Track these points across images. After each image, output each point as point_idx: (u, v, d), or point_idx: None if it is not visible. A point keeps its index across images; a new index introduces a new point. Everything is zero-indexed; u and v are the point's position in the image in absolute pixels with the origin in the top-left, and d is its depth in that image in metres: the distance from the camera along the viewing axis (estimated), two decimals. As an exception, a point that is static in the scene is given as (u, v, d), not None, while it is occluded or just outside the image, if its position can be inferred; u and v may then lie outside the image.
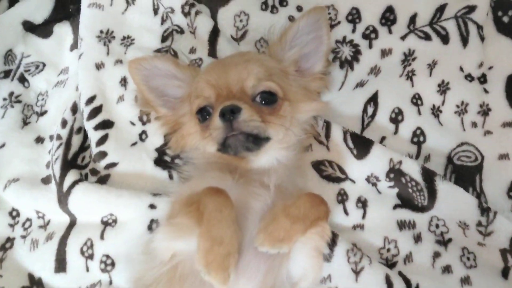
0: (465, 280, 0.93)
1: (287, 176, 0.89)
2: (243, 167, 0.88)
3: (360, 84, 1.08)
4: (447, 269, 0.94)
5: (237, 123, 0.80)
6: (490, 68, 1.08)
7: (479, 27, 1.07)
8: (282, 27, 1.02)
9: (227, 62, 0.93)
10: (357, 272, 0.92)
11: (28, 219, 1.09)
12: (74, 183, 1.00)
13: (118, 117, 1.09)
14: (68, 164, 1.05)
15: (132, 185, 1.03)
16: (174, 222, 0.76)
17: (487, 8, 1.09)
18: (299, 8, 1.14)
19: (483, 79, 1.08)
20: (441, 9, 1.09)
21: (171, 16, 1.16)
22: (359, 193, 1.03)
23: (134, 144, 1.07)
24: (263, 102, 0.87)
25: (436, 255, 0.96)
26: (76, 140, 1.10)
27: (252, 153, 0.85)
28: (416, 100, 1.06)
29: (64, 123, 1.11)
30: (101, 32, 1.15)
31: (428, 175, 0.98)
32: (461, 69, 1.07)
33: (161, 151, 1.06)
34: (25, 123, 1.21)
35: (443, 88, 1.06)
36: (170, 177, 1.05)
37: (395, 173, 0.99)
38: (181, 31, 1.15)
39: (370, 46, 1.10)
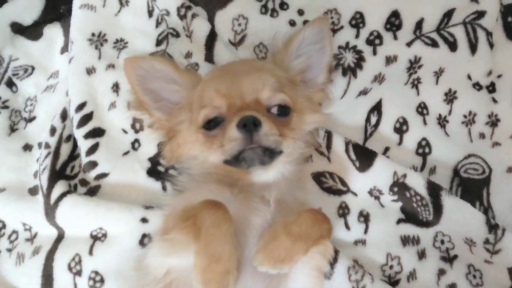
0: (471, 299, 0.91)
1: (288, 190, 0.88)
2: (245, 180, 0.86)
3: (364, 92, 1.06)
4: (452, 287, 0.92)
5: (258, 136, 0.78)
6: (499, 76, 1.07)
7: (488, 34, 1.06)
8: (286, 34, 1.00)
9: (236, 70, 0.90)
10: (358, 291, 0.89)
11: (14, 231, 1.06)
12: (62, 195, 0.98)
13: (109, 125, 1.06)
14: (56, 174, 1.02)
15: (124, 197, 1.01)
16: (169, 237, 0.74)
17: (496, 13, 1.07)
18: (300, 12, 1.11)
19: (491, 88, 1.06)
20: (448, 14, 1.07)
21: (166, 18, 1.13)
22: (361, 207, 1.01)
23: (126, 153, 1.05)
24: (277, 113, 0.86)
25: (441, 272, 0.94)
26: (65, 149, 1.07)
27: (263, 167, 0.84)
28: (422, 109, 1.04)
29: (52, 131, 1.08)
30: (93, 35, 1.12)
31: (434, 190, 0.96)
32: (469, 77, 1.05)
33: (154, 160, 1.04)
34: (13, 129, 1.18)
35: (450, 97, 1.04)
36: (164, 188, 1.02)
37: (399, 187, 0.98)
38: (176, 35, 1.13)
39: (374, 53, 1.08)
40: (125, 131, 1.06)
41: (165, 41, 1.12)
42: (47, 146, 1.07)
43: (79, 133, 1.05)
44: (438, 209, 0.96)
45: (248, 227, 0.80)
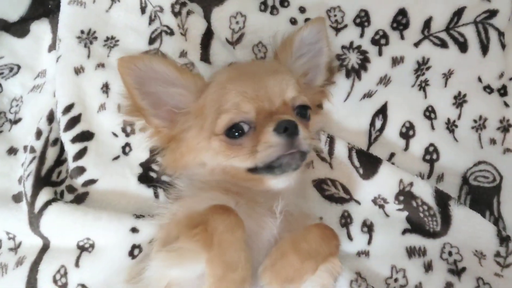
0: (480, 314, 0.89)
1: (293, 200, 0.84)
2: (259, 187, 0.83)
3: (368, 95, 1.03)
4: (460, 301, 0.89)
5: (298, 140, 0.75)
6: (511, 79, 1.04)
7: (501, 34, 1.03)
8: (285, 33, 0.97)
9: (255, 72, 0.86)
10: (361, 306, 0.87)
11: (-3, 240, 1.03)
12: (47, 203, 0.94)
13: (98, 128, 1.03)
14: (41, 181, 0.99)
15: (113, 205, 0.97)
16: (175, 247, 0.70)
17: (509, 12, 1.04)
18: (302, 10, 1.08)
19: (503, 91, 1.03)
20: (459, 13, 1.04)
21: (160, 15, 1.09)
22: (364, 216, 0.98)
23: (116, 158, 1.01)
24: (299, 115, 0.84)
25: (449, 285, 0.91)
26: (52, 153, 1.04)
27: (293, 173, 0.82)
28: (429, 113, 1.01)
29: (38, 134, 1.05)
30: (82, 32, 1.08)
31: (442, 199, 0.94)
32: (480, 79, 1.02)
33: (146, 166, 1.00)
34: (-3, 132, 1.15)
35: (459, 100, 1.02)
36: (156, 196, 0.98)
37: (405, 196, 0.95)
38: (170, 33, 1.09)
39: (380, 53, 1.04)
40: (115, 135, 1.02)
41: (158, 39, 1.08)
42: (32, 150, 1.03)
43: (66, 137, 1.01)
44: (446, 220, 0.93)
45: (253, 240, 0.76)
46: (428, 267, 0.92)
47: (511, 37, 1.05)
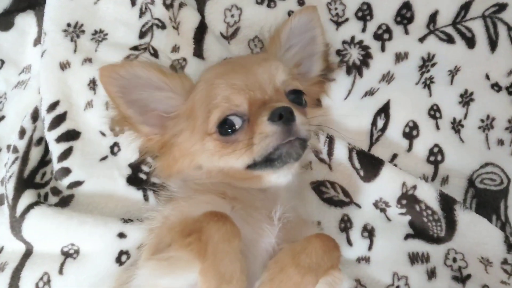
0: (485, 323, 0.86)
1: (290, 203, 0.81)
2: (257, 186, 0.80)
3: (370, 93, 1.00)
4: (464, 310, 0.88)
5: (296, 126, 0.72)
6: (521, 76, 1.02)
7: (510, 29, 0.99)
8: (275, 25, 0.95)
9: (242, 64, 0.84)
10: (361, 316, 0.85)
11: (-22, 245, 0.99)
12: (29, 207, 0.91)
13: (85, 127, 0.99)
14: (24, 183, 0.95)
15: (100, 208, 0.94)
16: (166, 256, 0.67)
17: None
18: (301, 2, 1.05)
19: None
20: (466, 6, 1.00)
21: (151, 8, 1.05)
22: (365, 220, 0.95)
23: (103, 158, 0.98)
24: (294, 102, 0.81)
25: None
26: (35, 154, 1.00)
27: (295, 163, 0.79)
28: (434, 112, 0.98)
29: (22, 133, 1.01)
30: (69, 25, 1.05)
31: (447, 203, 0.91)
32: (488, 77, 0.99)
33: (135, 167, 0.97)
34: (-21, 130, 1.11)
35: (466, 99, 0.98)
36: (146, 198, 0.95)
37: (408, 200, 0.92)
38: (162, 26, 1.05)
39: (383, 49, 1.01)
40: (103, 134, 0.99)
41: (149, 33, 1.04)
42: (15, 150, 1.00)
43: (50, 136, 0.97)
44: (451, 225, 0.90)
45: (250, 249, 0.73)
46: (431, 274, 0.90)
47: (520, 32, 1.02)
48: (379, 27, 1.02)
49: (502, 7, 0.98)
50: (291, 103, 0.79)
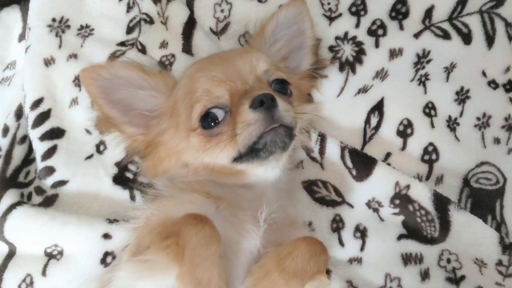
0: (479, 324, 0.86)
1: (278, 204, 0.80)
2: (244, 181, 0.80)
3: (363, 90, 0.98)
4: (458, 311, 0.87)
5: (279, 113, 0.71)
6: (518, 73, 1.01)
7: (508, 24, 0.98)
8: (263, 19, 0.93)
9: (223, 57, 0.83)
10: (352, 318, 0.85)
11: (-41, 245, 0.99)
12: (12, 207, 0.90)
13: (70, 124, 0.98)
14: (6, 182, 0.94)
15: (85, 208, 0.93)
16: (144, 258, 0.66)
17: None
18: None
19: (509, 87, 0.99)
20: (463, 1, 0.99)
21: (139, 2, 1.04)
22: (357, 221, 0.95)
23: (89, 157, 0.96)
24: (278, 91, 0.80)
25: None
26: (19, 152, 0.99)
27: (282, 154, 0.78)
28: (429, 110, 0.97)
29: (5, 131, 1.00)
30: (54, 20, 1.03)
31: (441, 204, 0.90)
32: (484, 74, 0.98)
33: (122, 166, 0.95)
34: (-39, 128, 1.10)
35: (461, 96, 0.97)
36: (132, 198, 0.94)
37: (402, 199, 0.91)
38: (150, 21, 1.03)
39: (377, 45, 0.99)
40: (88, 132, 0.97)
41: (137, 29, 1.03)
42: None
43: (34, 134, 0.96)
44: (445, 226, 0.89)
45: (234, 251, 0.72)
46: (424, 275, 0.89)
47: (518, 28, 1.00)
48: (373, 23, 1.00)
49: (499, 2, 0.97)
50: (275, 92, 0.78)
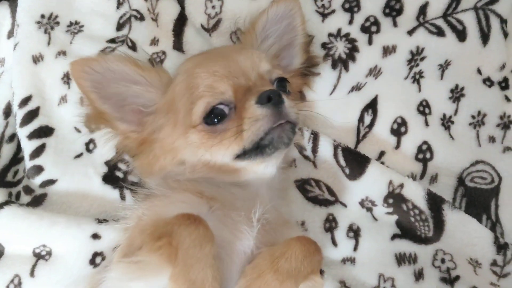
0: (473, 325, 0.86)
1: (271, 202, 0.79)
2: (242, 178, 0.79)
3: (357, 88, 0.98)
4: (453, 312, 0.87)
5: (285, 109, 0.72)
6: (514, 71, 1.01)
7: (503, 21, 0.98)
8: (253, 15, 0.93)
9: (222, 53, 0.83)
10: (345, 319, 0.85)
11: None
12: (0, 207, 0.88)
13: (59, 123, 0.97)
14: None
15: (74, 208, 0.92)
16: (136, 259, 0.65)
17: None
18: None
19: (504, 84, 0.99)
20: None
21: None
22: (350, 220, 0.94)
23: (78, 156, 0.96)
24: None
25: None
26: (7, 151, 0.98)
27: (285, 150, 0.78)
28: (424, 108, 0.97)
29: None
30: (43, 16, 1.02)
31: (435, 203, 0.90)
32: (479, 71, 0.98)
33: (112, 164, 0.94)
34: (-51, 126, 1.09)
35: (456, 94, 0.97)
36: (122, 197, 0.93)
37: (395, 199, 0.91)
38: (140, 18, 1.03)
39: (370, 42, 0.99)
40: (77, 130, 0.97)
41: (127, 25, 1.02)
42: None
43: (22, 133, 0.95)
44: (439, 225, 0.89)
45: (227, 252, 0.72)
46: (419, 276, 0.89)
47: (514, 25, 1.01)
48: (367, 19, 1.00)
49: (495, -2, 0.97)
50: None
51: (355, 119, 0.96)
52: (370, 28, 0.99)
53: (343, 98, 0.97)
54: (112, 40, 1.01)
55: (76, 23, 1.02)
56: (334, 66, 0.97)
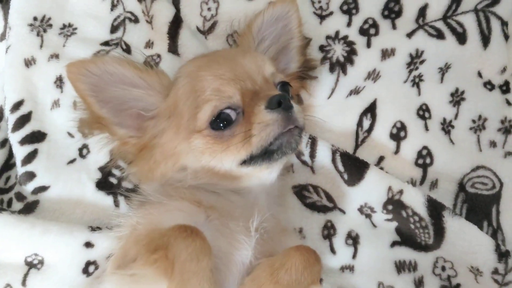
0: (475, 334, 0.86)
1: (269, 211, 0.79)
2: (244, 184, 0.78)
3: (355, 92, 0.97)
4: (454, 320, 0.87)
5: (294, 114, 0.72)
6: (515, 74, 1.01)
7: (504, 23, 0.97)
8: (249, 17, 0.93)
9: (225, 56, 0.81)
10: (343, 328, 0.85)
11: None
12: None
13: (51, 127, 0.97)
14: None
15: (67, 215, 0.92)
16: (131, 271, 0.65)
17: None
18: None
19: (505, 88, 0.98)
20: None
21: (123, 0, 1.03)
22: (349, 227, 0.94)
23: (71, 161, 0.95)
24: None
25: None
26: None
27: (290, 155, 0.80)
28: (423, 112, 0.96)
29: None
30: (35, 19, 1.02)
31: (435, 209, 0.89)
32: (480, 75, 0.97)
33: (106, 170, 0.94)
34: None
35: (456, 98, 0.97)
36: (116, 204, 0.93)
37: (395, 205, 0.90)
38: (135, 20, 1.02)
39: (369, 45, 0.99)
40: (71, 135, 0.96)
41: (121, 28, 1.01)
42: None
43: (14, 138, 0.95)
44: (439, 232, 0.89)
45: (225, 262, 0.71)
46: (419, 283, 0.89)
47: (515, 27, 1.01)
48: (365, 22, 0.99)
49: (495, 0, 0.96)
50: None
51: (353, 123, 0.96)
52: (369, 30, 0.99)
53: (341, 102, 0.96)
54: (106, 43, 1.00)
55: (70, 25, 1.02)
56: (332, 69, 0.97)
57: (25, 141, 0.94)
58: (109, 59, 0.85)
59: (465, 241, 0.87)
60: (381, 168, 0.93)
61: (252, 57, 0.79)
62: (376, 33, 0.99)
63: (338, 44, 0.98)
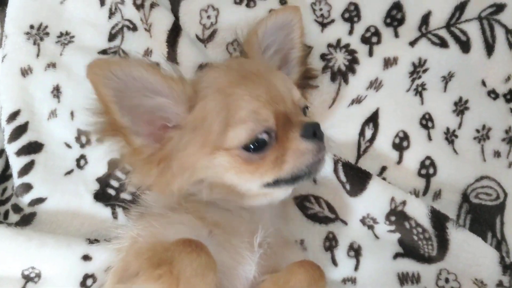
0: None
1: (273, 225, 0.79)
2: (254, 203, 0.78)
3: (357, 101, 0.97)
4: (457, 334, 0.87)
5: (325, 143, 0.74)
6: (520, 83, 1.01)
7: (508, 32, 0.97)
8: (250, 25, 0.92)
9: (254, 71, 0.78)
10: None
11: None
12: None
13: (48, 138, 0.97)
14: None
15: (64, 227, 0.92)
16: (133, 286, 0.64)
17: None
18: (283, 2, 1.02)
19: (509, 97, 0.98)
20: (461, 7, 0.98)
21: (121, 8, 1.03)
22: (351, 238, 0.94)
23: (69, 172, 0.96)
24: None
25: None
26: None
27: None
28: (426, 121, 0.96)
29: None
30: (32, 27, 1.02)
31: (439, 221, 0.89)
32: (484, 83, 0.97)
33: (104, 181, 0.94)
34: None
35: (460, 107, 0.97)
36: (114, 216, 0.93)
37: (397, 216, 0.90)
38: (133, 28, 1.03)
39: (371, 53, 0.99)
40: (68, 146, 0.97)
41: (119, 36, 1.02)
42: None
43: (10, 149, 0.95)
44: (443, 244, 0.89)
45: (228, 278, 0.71)
46: None
47: (520, 35, 1.01)
48: (367, 30, 0.99)
49: (499, 8, 0.96)
50: None
51: (355, 133, 0.96)
52: (371, 38, 0.99)
53: (343, 111, 0.96)
54: (104, 51, 1.01)
55: (67, 33, 1.02)
56: (333, 78, 0.97)
57: (21, 152, 0.94)
58: (135, 62, 0.76)
59: (469, 253, 0.87)
60: (384, 179, 0.93)
61: (281, 78, 0.79)
62: (378, 42, 0.99)
63: (339, 52, 0.98)
